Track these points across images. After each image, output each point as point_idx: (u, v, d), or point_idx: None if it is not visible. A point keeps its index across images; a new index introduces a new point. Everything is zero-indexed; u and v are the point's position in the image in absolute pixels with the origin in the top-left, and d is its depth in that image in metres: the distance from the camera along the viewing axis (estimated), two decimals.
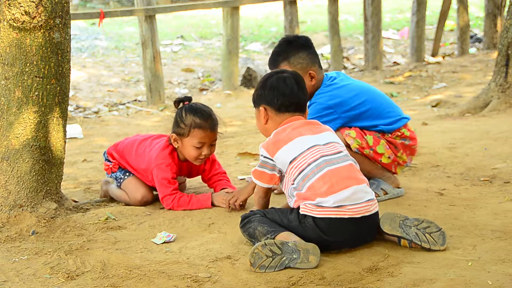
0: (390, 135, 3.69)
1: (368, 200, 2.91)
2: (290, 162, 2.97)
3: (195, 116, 3.65)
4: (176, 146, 3.73)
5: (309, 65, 3.61)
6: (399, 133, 3.71)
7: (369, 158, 3.65)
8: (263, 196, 3.22)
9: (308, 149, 2.97)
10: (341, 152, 3.02)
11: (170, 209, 3.66)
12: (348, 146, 3.50)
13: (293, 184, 2.97)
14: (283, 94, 3.11)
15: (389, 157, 3.67)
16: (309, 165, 2.93)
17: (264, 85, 3.16)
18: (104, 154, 4.08)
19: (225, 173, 3.95)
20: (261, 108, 3.16)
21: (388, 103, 3.77)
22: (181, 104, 3.75)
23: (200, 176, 4.00)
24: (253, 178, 3.16)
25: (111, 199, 4.01)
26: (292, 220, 2.93)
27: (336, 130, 3.56)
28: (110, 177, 4.01)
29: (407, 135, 3.74)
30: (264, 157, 3.06)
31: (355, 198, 2.87)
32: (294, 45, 3.62)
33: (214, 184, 3.89)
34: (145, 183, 3.88)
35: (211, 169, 3.90)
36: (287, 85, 3.11)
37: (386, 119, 3.69)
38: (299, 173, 2.94)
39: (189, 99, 3.76)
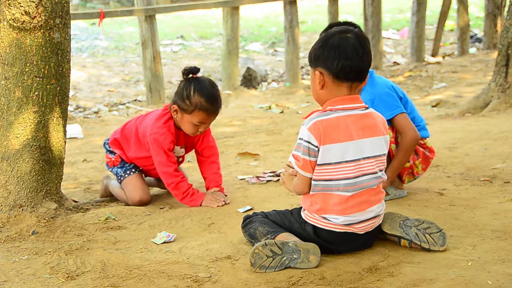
0: None
1: (375, 216, 2.86)
2: (325, 164, 2.76)
3: (203, 98, 3.63)
4: (174, 116, 3.73)
5: None
6: (422, 142, 3.64)
7: (390, 156, 3.51)
8: (308, 190, 2.86)
9: (348, 161, 2.75)
10: (377, 173, 2.82)
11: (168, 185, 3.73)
12: None
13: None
14: (345, 57, 2.73)
15: (408, 161, 3.59)
16: (339, 180, 2.76)
17: (325, 45, 2.77)
18: (104, 145, 4.04)
19: (216, 148, 3.96)
20: (317, 72, 2.80)
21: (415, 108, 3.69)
22: (189, 75, 3.72)
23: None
24: (300, 171, 2.80)
25: (111, 197, 4.02)
26: (293, 222, 2.93)
27: None
28: (111, 171, 4.00)
29: (428, 147, 3.68)
30: (308, 142, 2.74)
31: (364, 218, 2.83)
32: None
33: (206, 171, 3.89)
34: (145, 180, 3.92)
35: (204, 140, 3.91)
36: (351, 47, 2.74)
37: (416, 122, 3.61)
38: (325, 180, 2.78)
39: (197, 70, 3.74)
